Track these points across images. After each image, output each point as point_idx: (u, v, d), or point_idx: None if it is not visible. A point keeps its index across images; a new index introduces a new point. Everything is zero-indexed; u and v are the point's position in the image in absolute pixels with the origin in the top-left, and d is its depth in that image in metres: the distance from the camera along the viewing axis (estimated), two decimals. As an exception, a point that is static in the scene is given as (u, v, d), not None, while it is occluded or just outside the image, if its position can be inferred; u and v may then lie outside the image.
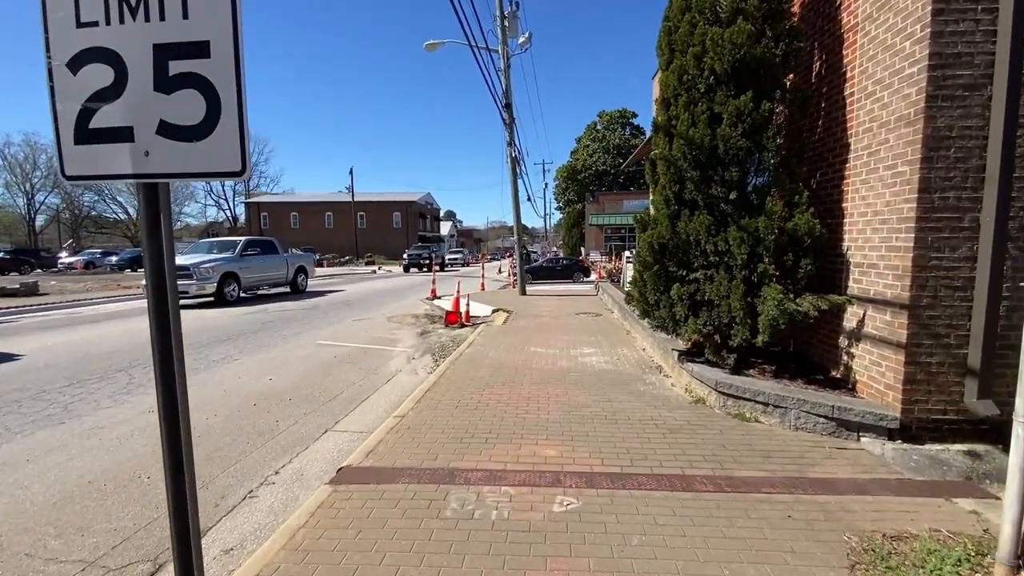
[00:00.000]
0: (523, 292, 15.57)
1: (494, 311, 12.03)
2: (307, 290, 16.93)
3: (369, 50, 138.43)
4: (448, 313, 10.56)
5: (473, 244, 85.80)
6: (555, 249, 60.16)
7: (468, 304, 10.91)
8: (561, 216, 61.32)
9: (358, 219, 56.76)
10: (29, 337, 8.71)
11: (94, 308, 12.94)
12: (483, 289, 18.02)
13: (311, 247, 50.95)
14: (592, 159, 54.45)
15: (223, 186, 70.35)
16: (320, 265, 43.42)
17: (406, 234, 55.10)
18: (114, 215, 59.93)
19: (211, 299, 12.65)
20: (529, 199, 23.28)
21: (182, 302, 13.20)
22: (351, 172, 51.28)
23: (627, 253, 13.64)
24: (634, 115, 56.48)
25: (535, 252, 50.48)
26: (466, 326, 10.29)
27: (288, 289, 16.15)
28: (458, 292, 11.17)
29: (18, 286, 15.38)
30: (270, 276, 14.97)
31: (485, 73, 12.12)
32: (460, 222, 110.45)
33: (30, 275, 24.88)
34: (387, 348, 8.11)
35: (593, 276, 25.62)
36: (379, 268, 37.55)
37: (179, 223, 67.41)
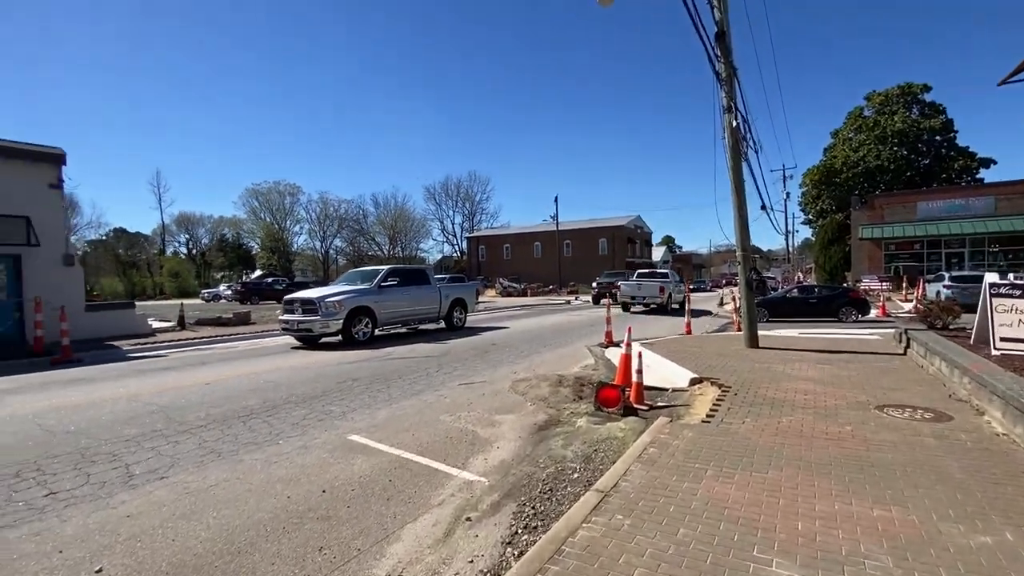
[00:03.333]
0: (752, 341, 9.60)
1: (693, 381, 6.82)
2: (464, 326, 14.22)
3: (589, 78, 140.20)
4: (602, 386, 5.90)
5: (692, 271, 76.12)
6: (800, 275, 47.78)
7: (640, 364, 6.05)
8: (812, 231, 48.67)
9: (564, 247, 55.39)
10: (131, 381, 7.59)
11: (272, 340, 12.40)
12: (689, 332, 12.37)
13: (516, 276, 51.48)
14: (858, 154, 41.20)
15: (452, 224, 78.90)
16: (524, 295, 42.89)
17: (612, 261, 50.96)
18: (373, 252, 72.67)
19: (338, 338, 10.74)
20: (764, 208, 16.65)
21: (322, 341, 11.77)
22: (556, 200, 50.30)
23: (993, 276, 6.56)
24: (925, 88, 41.06)
25: (771, 278, 40.33)
26: (636, 412, 5.51)
27: (443, 324, 13.71)
28: (627, 346, 6.45)
29: (232, 316, 16.75)
30: (416, 310, 12.60)
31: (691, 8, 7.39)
32: (679, 247, 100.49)
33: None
34: (443, 470, 4.05)
35: (873, 312, 16.90)
36: (576, 298, 34.19)
37: (426, 257, 77.72)
